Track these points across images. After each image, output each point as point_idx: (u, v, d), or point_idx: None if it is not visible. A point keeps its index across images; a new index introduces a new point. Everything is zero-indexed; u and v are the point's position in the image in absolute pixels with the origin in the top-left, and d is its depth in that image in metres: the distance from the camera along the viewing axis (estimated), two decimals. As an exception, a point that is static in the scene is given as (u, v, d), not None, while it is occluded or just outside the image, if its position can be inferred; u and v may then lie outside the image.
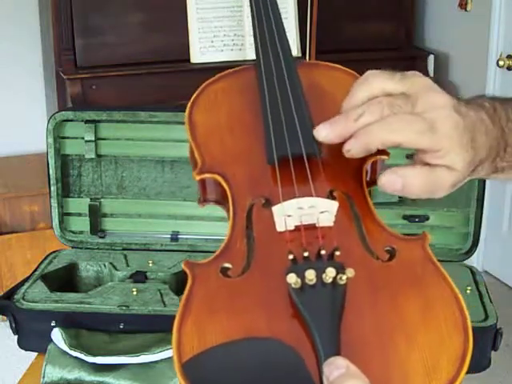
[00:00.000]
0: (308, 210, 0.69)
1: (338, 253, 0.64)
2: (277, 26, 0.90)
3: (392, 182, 0.68)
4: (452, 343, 0.60)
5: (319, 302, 0.61)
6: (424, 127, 0.67)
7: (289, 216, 0.69)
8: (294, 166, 0.74)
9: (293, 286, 0.62)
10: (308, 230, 0.68)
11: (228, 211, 0.74)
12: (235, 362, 0.59)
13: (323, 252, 0.64)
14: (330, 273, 0.61)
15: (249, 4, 0.94)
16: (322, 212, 0.69)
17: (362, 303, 0.63)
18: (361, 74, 0.82)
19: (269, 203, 0.72)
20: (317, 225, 0.69)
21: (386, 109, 0.68)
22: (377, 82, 0.71)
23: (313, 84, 0.84)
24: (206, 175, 0.77)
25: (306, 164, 0.73)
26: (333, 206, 0.70)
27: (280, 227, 0.69)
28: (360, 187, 0.74)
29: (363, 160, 0.74)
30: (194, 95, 0.85)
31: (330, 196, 0.72)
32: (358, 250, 0.68)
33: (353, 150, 0.68)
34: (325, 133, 0.70)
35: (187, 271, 0.67)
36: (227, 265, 0.68)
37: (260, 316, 0.62)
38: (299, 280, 0.62)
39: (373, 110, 0.69)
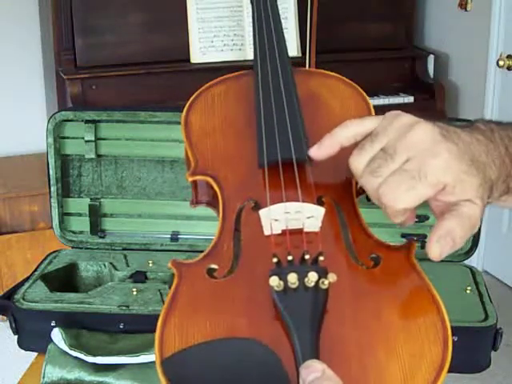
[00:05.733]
0: (294, 214, 0.70)
1: (321, 258, 0.65)
2: (276, 32, 0.90)
3: (446, 244, 0.65)
4: (431, 353, 0.60)
5: (300, 306, 0.62)
6: (411, 182, 0.64)
7: (275, 220, 0.70)
8: (284, 172, 0.75)
9: (275, 288, 0.63)
10: (294, 234, 0.69)
11: (218, 213, 0.75)
12: (214, 361, 0.60)
13: (307, 256, 0.65)
14: (312, 277, 0.62)
15: (250, 6, 0.95)
16: (308, 217, 0.70)
17: (343, 308, 0.63)
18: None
19: (257, 206, 0.73)
20: (308, 229, 0.69)
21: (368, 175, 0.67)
22: (353, 165, 0.69)
23: (308, 91, 0.85)
24: (199, 177, 0.78)
25: (295, 169, 0.74)
26: (319, 211, 0.70)
27: (267, 231, 0.70)
28: (349, 195, 0.75)
29: None
30: (192, 98, 0.85)
31: (319, 202, 0.73)
32: (343, 255, 0.68)
33: None
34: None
35: (174, 270, 0.68)
36: (213, 266, 0.69)
37: (242, 317, 0.63)
38: (282, 283, 0.62)
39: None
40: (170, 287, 1.24)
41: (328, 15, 2.84)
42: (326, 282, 0.62)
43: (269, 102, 0.81)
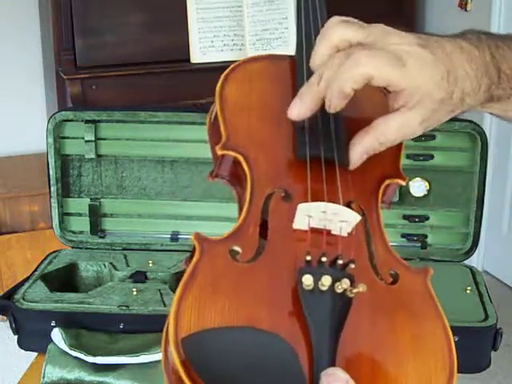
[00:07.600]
0: (330, 216, 0.69)
1: (352, 265, 0.64)
2: (322, 21, 0.89)
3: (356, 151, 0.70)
4: (437, 378, 0.61)
5: (324, 309, 0.61)
6: (392, 58, 0.65)
7: (310, 216, 0.68)
8: (325, 169, 0.73)
9: (304, 287, 0.62)
10: (323, 234, 0.68)
11: (244, 194, 0.73)
12: (233, 349, 0.58)
13: (340, 261, 0.64)
14: (344, 283, 0.61)
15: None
16: (341, 221, 0.69)
17: (362, 319, 0.63)
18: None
19: (288, 197, 0.71)
20: (334, 232, 0.68)
21: (344, 59, 0.67)
22: (335, 34, 0.71)
23: None
24: (230, 152, 0.75)
25: (337, 170, 0.73)
26: (356, 218, 0.69)
27: (299, 225, 0.68)
28: (375, 206, 0.74)
29: (382, 178, 0.74)
30: (229, 69, 0.83)
31: (348, 207, 0.71)
32: (366, 266, 0.68)
33: (332, 101, 0.68)
34: (297, 110, 0.70)
35: (196, 244, 0.66)
36: (237, 248, 0.67)
37: (263, 307, 0.62)
38: (313, 283, 0.61)
39: (331, 66, 0.67)
40: (170, 288, 1.25)
41: (328, 15, 2.84)
42: (355, 290, 0.61)
43: None
